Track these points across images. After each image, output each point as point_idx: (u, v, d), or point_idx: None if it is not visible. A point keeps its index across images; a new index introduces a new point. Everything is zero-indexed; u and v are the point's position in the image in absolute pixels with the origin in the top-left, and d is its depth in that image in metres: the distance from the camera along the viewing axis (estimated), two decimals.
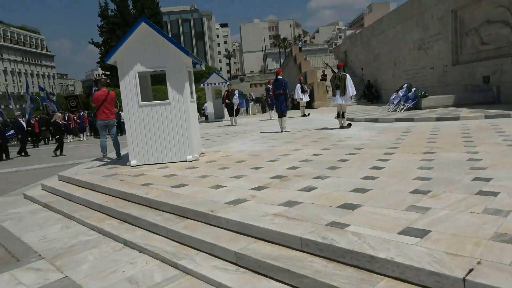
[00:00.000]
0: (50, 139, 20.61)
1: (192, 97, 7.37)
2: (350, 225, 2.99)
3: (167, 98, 6.78)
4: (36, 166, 11.16)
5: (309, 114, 17.23)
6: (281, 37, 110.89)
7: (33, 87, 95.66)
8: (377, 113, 13.33)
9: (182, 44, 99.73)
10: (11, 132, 15.03)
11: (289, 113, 21.18)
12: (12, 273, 3.43)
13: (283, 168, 5.48)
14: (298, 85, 17.01)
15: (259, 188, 4.40)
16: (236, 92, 15.03)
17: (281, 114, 10.78)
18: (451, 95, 13.87)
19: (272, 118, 16.92)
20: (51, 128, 16.52)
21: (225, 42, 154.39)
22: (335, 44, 79.08)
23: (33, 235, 4.47)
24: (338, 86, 10.17)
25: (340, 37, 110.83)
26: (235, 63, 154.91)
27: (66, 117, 21.54)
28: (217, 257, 3.16)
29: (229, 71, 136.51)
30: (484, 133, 7.38)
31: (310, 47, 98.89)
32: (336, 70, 10.55)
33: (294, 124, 13.20)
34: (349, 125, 10.53)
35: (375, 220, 3.04)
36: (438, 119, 10.17)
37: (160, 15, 46.35)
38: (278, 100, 10.80)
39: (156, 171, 6.07)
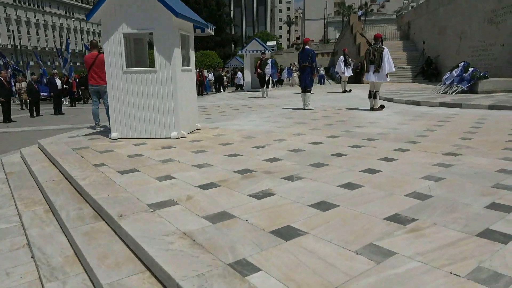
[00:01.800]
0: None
1: (187, 65, 6.51)
2: (260, 270, 2.05)
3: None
4: (53, 127, 11.06)
5: (350, 90, 15.69)
6: (346, 4, 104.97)
7: (75, 44, 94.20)
8: (424, 94, 11.62)
9: (243, 9, 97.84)
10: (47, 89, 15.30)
11: (330, 87, 19.65)
12: None
13: (261, 159, 4.53)
14: (341, 57, 15.46)
15: (206, 186, 3.52)
16: (269, 61, 13.86)
17: (305, 89, 9.60)
18: None
19: (265, 96, 15.02)
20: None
21: (288, 9, 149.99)
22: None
23: None
24: (373, 61, 8.74)
25: (412, 7, 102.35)
26: (296, 30, 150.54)
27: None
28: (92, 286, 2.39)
29: (288, 39, 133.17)
30: None
31: (377, 17, 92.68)
32: (372, 43, 9.06)
33: (326, 101, 11.95)
34: (382, 106, 9.13)
35: (299, 267, 2.06)
36: (491, 107, 8.46)
37: None
38: (304, 73, 9.58)
39: (127, 148, 5.38)
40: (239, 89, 21.83)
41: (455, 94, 11.09)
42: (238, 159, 4.57)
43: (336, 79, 29.08)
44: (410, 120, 7.36)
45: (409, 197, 3.06)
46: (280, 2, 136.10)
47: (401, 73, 24.43)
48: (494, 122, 6.77)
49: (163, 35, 5.80)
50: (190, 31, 6.61)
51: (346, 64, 15.31)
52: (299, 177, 3.72)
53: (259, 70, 14.30)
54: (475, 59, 17.96)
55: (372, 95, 8.93)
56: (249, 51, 18.01)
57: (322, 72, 30.23)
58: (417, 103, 9.89)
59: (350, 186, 3.40)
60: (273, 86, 14.13)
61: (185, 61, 6.47)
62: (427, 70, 22.77)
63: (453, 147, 4.80)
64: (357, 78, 24.66)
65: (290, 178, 3.69)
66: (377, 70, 8.68)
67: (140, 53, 6.97)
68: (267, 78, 13.90)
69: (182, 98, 6.15)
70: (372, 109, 9.00)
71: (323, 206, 2.94)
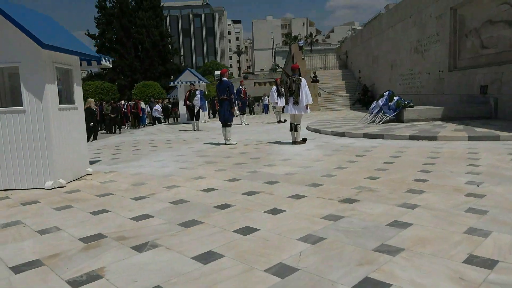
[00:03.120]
0: None
1: (69, 102, 5.69)
2: None
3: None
4: None
5: (285, 121, 15.40)
6: (292, 35, 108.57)
7: None
8: (352, 124, 11.46)
9: (192, 39, 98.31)
10: None
11: (265, 117, 19.39)
12: None
13: (129, 216, 3.75)
14: (274, 87, 15.19)
15: (22, 267, 2.69)
16: (197, 92, 13.28)
17: (225, 123, 9.01)
18: (441, 106, 11.91)
19: (243, 123, 15.17)
20: None
21: (237, 39, 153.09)
22: None
23: None
24: (292, 92, 8.38)
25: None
26: (247, 60, 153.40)
27: None
28: None
29: (239, 68, 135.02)
30: (452, 164, 5.52)
31: (322, 47, 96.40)
32: (290, 73, 8.72)
33: (255, 134, 11.46)
34: (304, 140, 8.72)
35: None
36: (412, 137, 8.29)
37: (160, 8, 44.73)
38: (223, 106, 9.02)
39: None
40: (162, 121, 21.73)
41: (382, 123, 11.01)
42: (101, 218, 3.77)
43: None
44: (327, 155, 6.93)
45: (270, 274, 2.41)
46: (229, 33, 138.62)
47: (340, 101, 24.86)
48: (409, 155, 6.48)
49: (30, 69, 4.97)
50: (74, 64, 5.81)
51: (279, 94, 15.04)
52: (154, 245, 2.98)
53: (188, 102, 13.66)
54: (405, 87, 18.53)
55: (293, 128, 8.51)
56: (183, 82, 17.37)
57: (266, 101, 30.20)
58: (342, 134, 9.61)
59: (207, 257, 2.71)
60: (198, 119, 13.54)
61: (67, 97, 5.65)
62: (363, 98, 23.27)
63: (355, 191, 4.31)
64: None
65: (141, 248, 2.95)
66: (296, 102, 8.30)
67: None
68: (196, 110, 13.25)
69: (60, 141, 5.29)
70: (294, 142, 8.55)
71: None
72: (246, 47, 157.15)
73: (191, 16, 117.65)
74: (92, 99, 13.41)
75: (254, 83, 62.18)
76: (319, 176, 5.18)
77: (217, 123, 17.68)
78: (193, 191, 4.68)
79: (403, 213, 3.47)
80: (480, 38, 12.46)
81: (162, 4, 45.96)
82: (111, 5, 42.26)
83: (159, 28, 43.49)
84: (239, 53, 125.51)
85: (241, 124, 15.12)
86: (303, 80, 8.32)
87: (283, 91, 15.61)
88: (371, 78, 24.12)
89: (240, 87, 15.36)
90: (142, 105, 22.26)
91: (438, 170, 5.18)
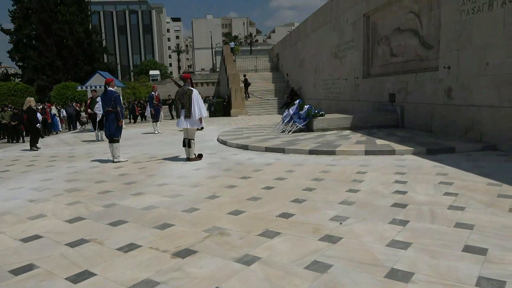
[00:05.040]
0: None
1: None
2: None
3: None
4: None
5: (202, 128, 14.61)
6: (232, 35, 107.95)
7: None
8: (263, 134, 10.97)
9: (128, 37, 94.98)
10: None
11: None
12: None
13: None
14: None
15: None
16: (98, 99, 12.10)
17: (111, 139, 8.06)
18: (355, 113, 11.83)
19: (156, 132, 14.18)
20: None
21: (177, 37, 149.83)
22: None
23: None
24: (184, 104, 7.64)
25: None
26: (187, 59, 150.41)
27: None
28: None
29: (179, 67, 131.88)
30: (332, 189, 5.09)
31: (262, 47, 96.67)
32: (182, 84, 7.97)
33: (158, 146, 10.58)
34: (200, 156, 8.03)
35: None
36: (311, 152, 7.91)
37: (86, 3, 41.81)
38: (108, 120, 8.06)
39: None
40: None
41: (292, 133, 10.63)
42: None
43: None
44: (212, 177, 6.27)
45: None
46: (168, 31, 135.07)
47: (268, 105, 24.60)
48: (296, 176, 6.00)
49: None
50: None
51: None
52: None
53: (89, 110, 12.41)
54: (327, 92, 18.56)
55: (186, 143, 7.78)
56: (92, 86, 15.96)
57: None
58: (245, 147, 9.04)
59: None
60: (101, 129, 12.32)
61: None
62: (291, 102, 23.13)
63: (203, 235, 3.66)
64: (225, 110, 24.14)
65: None
66: (188, 115, 7.58)
67: None
68: (98, 119, 12.03)
69: None
70: (188, 159, 7.82)
71: None
72: (186, 45, 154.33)
73: (127, 12, 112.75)
74: (32, 98, 11.76)
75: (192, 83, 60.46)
76: (180, 211, 4.49)
77: (133, 130, 16.56)
78: (9, 240, 3.77)
79: (233, 273, 2.86)
80: (390, 46, 12.56)
81: None
82: None
83: (84, 24, 40.69)
84: (178, 52, 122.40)
85: (154, 133, 14.14)
86: (195, 91, 7.61)
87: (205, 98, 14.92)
88: (298, 82, 24.09)
89: (153, 93, 14.34)
90: (53, 109, 20.34)
91: (313, 199, 4.70)
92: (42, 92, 36.13)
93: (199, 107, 7.54)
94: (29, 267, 3.13)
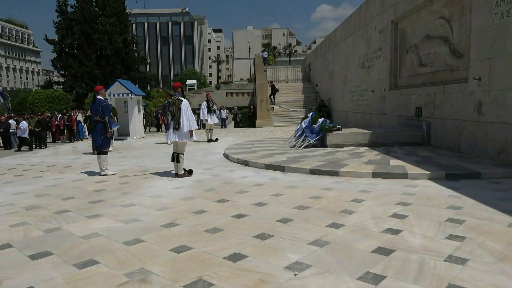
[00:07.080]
0: None
1: None
2: None
3: None
4: None
5: (216, 140, 14.06)
6: (272, 45, 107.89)
7: (14, 82, 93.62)
8: (270, 149, 10.16)
9: (170, 47, 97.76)
10: None
11: (200, 134, 18.07)
12: None
13: None
14: (204, 103, 13.88)
15: None
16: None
17: (100, 151, 7.59)
18: (380, 128, 10.75)
19: (169, 142, 13.73)
20: None
21: (218, 48, 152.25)
22: None
23: None
24: (174, 116, 7.03)
25: None
26: (227, 69, 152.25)
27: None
28: None
29: (219, 77, 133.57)
30: (310, 223, 4.21)
31: (301, 58, 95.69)
32: (172, 94, 7.36)
33: (158, 158, 10.03)
34: (190, 172, 7.35)
35: None
36: (312, 172, 7.02)
37: (126, 14, 43.06)
38: (96, 130, 7.61)
39: None
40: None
41: (302, 148, 9.74)
42: None
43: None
44: (187, 198, 5.57)
45: None
46: (209, 41, 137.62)
47: (295, 117, 23.70)
48: (277, 204, 5.15)
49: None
50: None
51: (209, 110, 13.72)
52: None
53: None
54: (354, 104, 17.46)
55: (175, 158, 7.14)
56: (112, 95, 15.88)
57: (224, 115, 28.79)
58: (245, 163, 8.30)
59: None
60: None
61: None
62: (320, 114, 22.13)
63: (119, 281, 2.94)
64: (250, 121, 23.53)
65: None
66: (177, 127, 6.96)
67: None
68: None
69: None
70: (177, 175, 7.18)
71: None
72: (227, 56, 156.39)
73: (170, 23, 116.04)
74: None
75: (226, 93, 60.40)
76: (121, 242, 3.80)
77: (150, 140, 16.27)
78: None
79: None
80: (419, 55, 11.41)
81: (128, 10, 44.39)
82: (72, 10, 40.54)
83: (123, 35, 41.83)
84: (218, 62, 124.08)
85: (167, 143, 13.71)
86: (184, 101, 6.99)
87: (215, 107, 14.37)
88: (328, 93, 23.07)
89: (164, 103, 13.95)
90: (79, 116, 20.61)
91: (281, 235, 3.86)
92: (81, 99, 37.33)
93: (188, 119, 6.91)
94: None
